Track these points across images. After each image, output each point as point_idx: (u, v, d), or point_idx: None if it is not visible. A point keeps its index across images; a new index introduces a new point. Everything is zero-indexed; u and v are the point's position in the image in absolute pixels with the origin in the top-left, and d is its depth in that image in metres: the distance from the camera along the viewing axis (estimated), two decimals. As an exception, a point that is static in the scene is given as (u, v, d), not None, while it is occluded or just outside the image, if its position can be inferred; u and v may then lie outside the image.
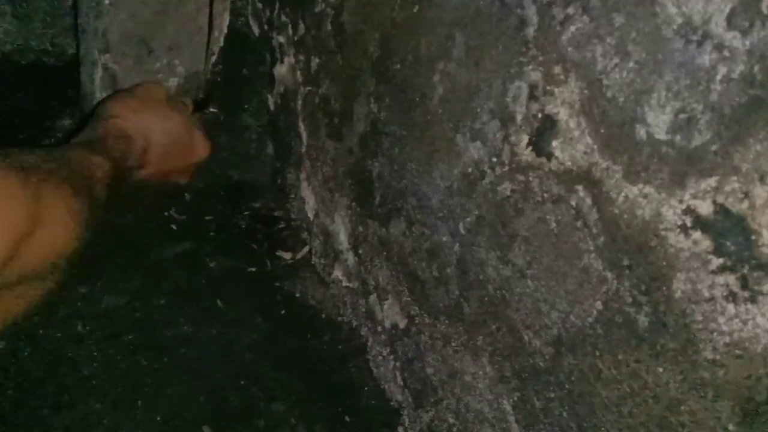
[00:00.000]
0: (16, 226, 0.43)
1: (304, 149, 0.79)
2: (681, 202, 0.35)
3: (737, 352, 0.33)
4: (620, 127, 0.38)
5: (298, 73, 0.76)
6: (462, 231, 0.53)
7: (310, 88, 0.74)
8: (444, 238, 0.55)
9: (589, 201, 0.40)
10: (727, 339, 0.34)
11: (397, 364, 0.66)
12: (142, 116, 0.66)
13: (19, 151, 0.49)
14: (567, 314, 0.43)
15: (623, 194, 0.38)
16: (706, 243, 0.34)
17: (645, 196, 0.37)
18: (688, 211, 0.35)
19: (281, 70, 0.81)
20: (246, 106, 0.87)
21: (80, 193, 0.51)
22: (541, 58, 0.43)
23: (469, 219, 0.52)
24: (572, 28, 0.40)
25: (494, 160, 0.48)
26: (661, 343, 0.37)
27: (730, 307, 0.33)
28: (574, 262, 0.42)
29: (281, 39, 0.79)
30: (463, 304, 0.54)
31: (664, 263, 0.36)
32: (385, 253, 0.64)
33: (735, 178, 0.32)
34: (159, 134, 0.67)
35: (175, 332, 0.67)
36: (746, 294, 0.32)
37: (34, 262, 0.45)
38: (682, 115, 0.34)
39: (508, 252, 0.48)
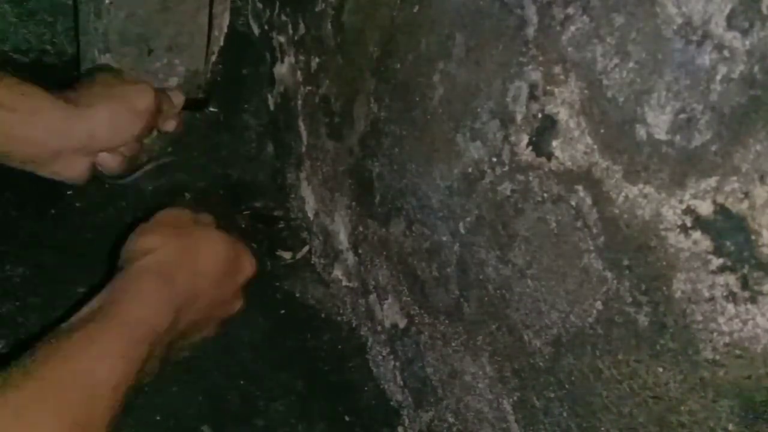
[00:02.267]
0: None
1: (304, 149, 0.78)
2: (681, 202, 0.35)
3: (737, 352, 0.33)
4: (620, 127, 0.38)
5: (298, 72, 0.76)
6: (462, 231, 0.53)
7: (310, 88, 0.74)
8: (444, 238, 0.55)
9: (589, 201, 0.40)
10: (727, 339, 0.34)
11: (397, 363, 0.66)
12: (184, 243, 0.52)
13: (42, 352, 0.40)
14: (567, 314, 0.43)
15: (623, 194, 0.38)
16: (706, 243, 0.34)
17: (645, 196, 0.37)
18: (688, 211, 0.35)
19: (281, 69, 0.81)
20: (246, 106, 0.87)
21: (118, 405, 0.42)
22: (541, 58, 0.43)
23: (469, 219, 0.52)
24: (572, 28, 0.40)
25: (494, 160, 0.48)
26: (661, 343, 0.37)
27: (730, 307, 0.33)
28: (574, 262, 0.42)
29: (281, 39, 0.79)
30: (463, 304, 0.54)
31: (664, 263, 0.36)
32: (385, 253, 0.64)
33: (735, 178, 0.32)
34: (208, 262, 0.53)
35: (174, 332, 0.67)
36: (746, 294, 0.32)
37: None
38: (682, 115, 0.34)
39: (508, 252, 0.48)
